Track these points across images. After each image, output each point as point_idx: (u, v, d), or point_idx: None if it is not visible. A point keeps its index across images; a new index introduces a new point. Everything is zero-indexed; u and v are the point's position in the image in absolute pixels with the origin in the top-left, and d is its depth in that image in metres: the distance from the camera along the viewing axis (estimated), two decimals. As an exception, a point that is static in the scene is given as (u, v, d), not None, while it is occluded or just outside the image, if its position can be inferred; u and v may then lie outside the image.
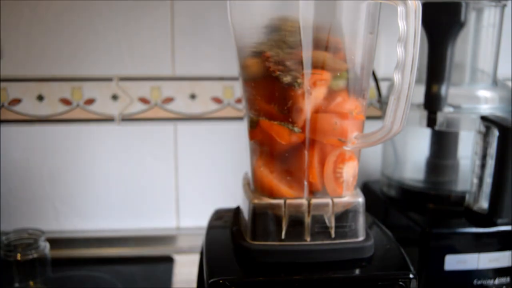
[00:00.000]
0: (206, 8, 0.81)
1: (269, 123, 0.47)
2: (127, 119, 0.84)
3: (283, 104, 0.46)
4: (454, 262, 0.62)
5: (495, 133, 0.61)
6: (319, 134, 0.47)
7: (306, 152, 0.47)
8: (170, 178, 0.87)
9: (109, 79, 0.82)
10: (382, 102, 0.80)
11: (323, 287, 0.46)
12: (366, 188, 0.81)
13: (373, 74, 0.79)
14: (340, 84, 0.46)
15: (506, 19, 0.70)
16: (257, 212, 0.48)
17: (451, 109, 0.66)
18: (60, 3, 0.79)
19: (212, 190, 0.87)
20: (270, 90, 0.47)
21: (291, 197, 0.48)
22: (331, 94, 0.46)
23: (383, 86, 0.80)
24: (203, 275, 0.49)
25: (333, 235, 0.48)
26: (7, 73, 0.80)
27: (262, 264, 0.48)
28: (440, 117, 0.65)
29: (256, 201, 0.49)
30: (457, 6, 0.61)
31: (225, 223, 0.57)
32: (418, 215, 0.67)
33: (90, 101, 0.83)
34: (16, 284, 0.65)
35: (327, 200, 0.48)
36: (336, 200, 0.48)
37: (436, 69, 0.64)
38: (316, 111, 0.46)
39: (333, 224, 0.48)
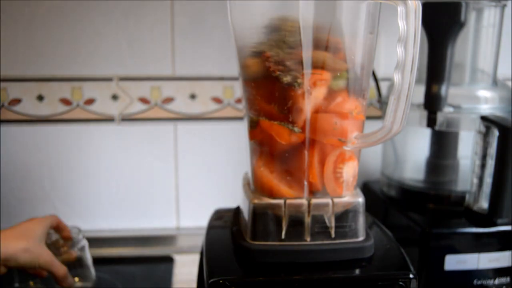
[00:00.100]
0: (206, 8, 0.81)
1: (269, 123, 0.47)
2: (127, 119, 0.84)
3: (283, 104, 0.46)
4: (454, 262, 0.62)
5: (495, 133, 0.61)
6: (319, 134, 0.47)
7: (306, 152, 0.47)
8: (170, 178, 0.87)
9: (109, 79, 0.82)
10: (382, 102, 0.80)
11: (323, 287, 0.46)
12: (366, 188, 0.81)
13: (373, 74, 0.79)
14: (340, 84, 0.46)
15: (506, 19, 0.70)
16: (257, 212, 0.48)
17: (451, 109, 0.66)
18: (60, 3, 0.79)
19: (212, 190, 0.87)
20: (270, 90, 0.47)
21: (291, 197, 0.48)
22: (331, 94, 0.46)
23: (383, 86, 0.80)
24: (203, 275, 0.49)
25: (333, 235, 0.48)
26: (7, 73, 0.80)
27: (262, 264, 0.48)
28: (440, 117, 0.65)
29: (256, 201, 0.48)
30: (457, 6, 0.61)
31: (225, 223, 0.57)
32: (418, 215, 0.67)
33: (90, 101, 0.83)
34: (16, 284, 0.65)
35: (327, 200, 0.48)
36: (336, 200, 0.48)
37: (436, 69, 0.64)
38: (316, 111, 0.46)
39: (333, 224, 0.48)
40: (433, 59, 0.64)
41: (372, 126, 0.49)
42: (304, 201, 0.48)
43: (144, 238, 0.86)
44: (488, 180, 0.63)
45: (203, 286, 0.48)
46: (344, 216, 0.49)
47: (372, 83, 0.79)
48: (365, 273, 0.48)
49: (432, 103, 0.65)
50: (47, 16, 0.79)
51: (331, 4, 0.45)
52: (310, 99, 0.46)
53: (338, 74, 0.46)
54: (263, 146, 0.48)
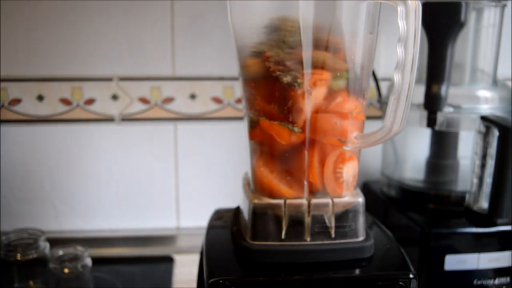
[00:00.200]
0: (206, 8, 0.81)
1: (269, 123, 0.47)
2: (127, 119, 0.84)
3: (283, 104, 0.46)
4: (454, 262, 0.62)
5: (495, 133, 0.61)
6: (319, 134, 0.47)
7: (306, 152, 0.47)
8: (170, 178, 0.87)
9: (109, 79, 0.82)
10: (382, 102, 0.80)
11: (323, 287, 0.46)
12: (366, 188, 0.81)
13: (373, 74, 0.79)
14: (340, 84, 0.46)
15: (506, 19, 0.70)
16: (257, 212, 0.48)
17: (451, 109, 0.66)
18: (60, 3, 0.79)
19: (212, 190, 0.87)
20: (270, 90, 0.47)
21: (291, 197, 0.48)
22: (331, 94, 0.46)
23: (383, 86, 0.80)
24: (203, 275, 0.49)
25: (333, 235, 0.48)
26: (7, 73, 0.80)
27: (262, 264, 0.48)
28: (440, 117, 0.65)
29: (256, 201, 0.48)
30: (457, 6, 0.61)
31: (225, 223, 0.57)
32: (418, 215, 0.67)
33: (90, 101, 0.83)
34: (16, 284, 0.65)
35: (327, 200, 0.48)
36: (336, 200, 0.48)
37: (436, 69, 0.64)
38: (316, 111, 0.46)
39: (333, 224, 0.48)
40: (433, 59, 0.64)
41: (372, 126, 0.49)
42: (304, 201, 0.48)
43: (144, 238, 0.86)
44: (488, 180, 0.63)
45: (203, 286, 0.48)
46: (344, 216, 0.49)
47: (372, 83, 0.79)
48: (365, 273, 0.48)
49: (432, 103, 0.65)
50: (47, 16, 0.79)
51: (331, 4, 0.45)
52: (310, 99, 0.46)
53: (338, 74, 0.46)
54: (263, 146, 0.48)
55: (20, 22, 0.79)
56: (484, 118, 0.62)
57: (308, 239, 0.48)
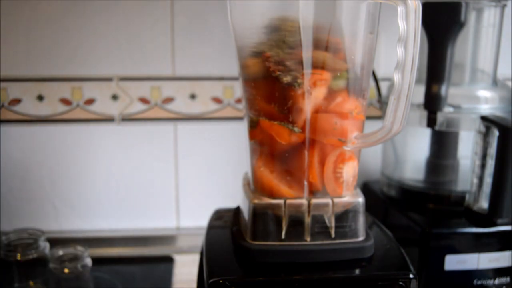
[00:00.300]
0: (206, 8, 0.81)
1: (269, 123, 0.47)
2: (127, 119, 0.84)
3: (283, 104, 0.46)
4: (454, 262, 0.62)
5: (495, 133, 0.61)
6: (319, 134, 0.47)
7: (306, 152, 0.47)
8: (170, 178, 0.87)
9: (109, 79, 0.82)
10: (382, 102, 0.80)
11: (323, 287, 0.46)
12: (366, 188, 0.81)
13: (373, 74, 0.79)
14: (340, 84, 0.46)
15: (506, 19, 0.70)
16: (257, 212, 0.48)
17: (451, 109, 0.66)
18: (60, 3, 0.79)
19: (212, 190, 0.87)
20: (270, 90, 0.47)
21: (291, 197, 0.48)
22: (331, 94, 0.46)
23: (383, 86, 0.80)
24: (203, 275, 0.49)
25: (333, 235, 0.48)
26: (7, 73, 0.80)
27: (262, 264, 0.48)
28: (440, 117, 0.65)
29: (256, 201, 0.48)
30: (457, 6, 0.61)
31: (225, 223, 0.57)
32: (418, 215, 0.67)
33: (90, 101, 0.83)
34: (16, 284, 0.65)
35: (327, 200, 0.48)
36: (336, 200, 0.48)
37: (436, 69, 0.64)
38: (316, 111, 0.46)
39: (333, 224, 0.48)
40: (433, 59, 0.64)
41: (372, 126, 0.49)
42: (304, 201, 0.48)
43: (144, 238, 0.86)
44: (488, 180, 0.63)
45: (203, 286, 0.48)
46: (344, 216, 0.49)
47: (372, 83, 0.79)
48: (365, 273, 0.48)
49: (432, 103, 0.65)
50: (47, 16, 0.79)
51: (331, 4, 0.45)
52: (310, 99, 0.46)
53: (338, 74, 0.46)
54: (263, 146, 0.48)
55: (20, 22, 0.79)
56: (484, 118, 0.62)
57: (308, 239, 0.48)
